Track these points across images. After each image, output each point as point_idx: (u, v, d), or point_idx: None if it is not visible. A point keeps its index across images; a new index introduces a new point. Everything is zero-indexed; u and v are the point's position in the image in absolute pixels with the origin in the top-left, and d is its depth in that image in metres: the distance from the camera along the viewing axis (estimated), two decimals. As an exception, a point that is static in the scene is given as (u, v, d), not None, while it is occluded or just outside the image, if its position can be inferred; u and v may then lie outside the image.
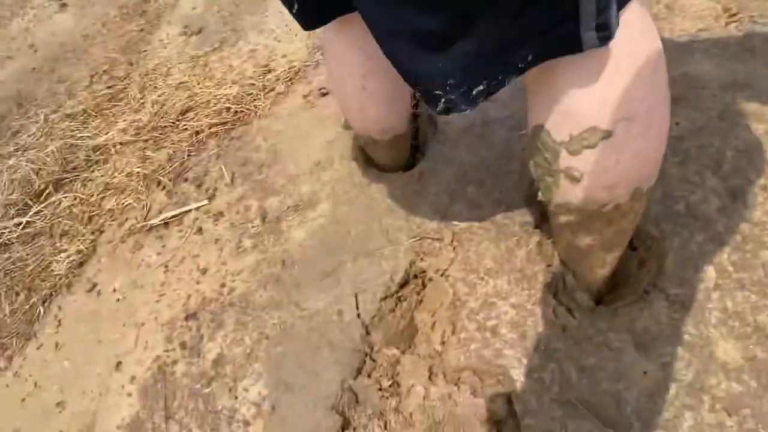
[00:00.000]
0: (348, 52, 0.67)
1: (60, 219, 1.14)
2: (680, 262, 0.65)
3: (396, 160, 0.93)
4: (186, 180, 1.12)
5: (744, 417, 0.52)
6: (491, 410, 0.59)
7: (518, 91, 0.98)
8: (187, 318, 0.83)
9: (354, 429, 0.62)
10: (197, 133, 1.23)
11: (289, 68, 1.31)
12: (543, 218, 0.74)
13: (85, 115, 1.47)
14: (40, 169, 1.28)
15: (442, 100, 0.45)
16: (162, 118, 1.32)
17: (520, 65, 0.43)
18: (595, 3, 0.37)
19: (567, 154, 0.47)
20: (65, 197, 1.19)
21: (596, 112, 0.44)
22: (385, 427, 0.62)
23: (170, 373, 0.77)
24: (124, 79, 1.60)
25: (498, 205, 0.79)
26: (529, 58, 0.42)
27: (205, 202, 1.03)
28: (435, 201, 0.84)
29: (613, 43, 0.40)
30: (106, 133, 1.36)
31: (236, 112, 1.23)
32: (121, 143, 1.30)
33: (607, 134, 0.44)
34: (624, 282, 0.70)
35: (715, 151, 0.74)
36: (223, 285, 0.86)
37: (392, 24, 0.44)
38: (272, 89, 1.27)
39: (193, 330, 0.81)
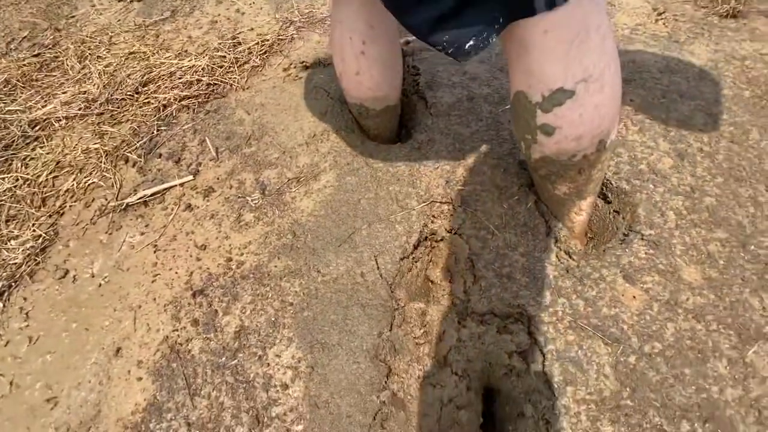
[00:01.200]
0: (352, 18, 0.74)
1: (1, 204, 0.98)
2: (648, 209, 0.78)
3: (386, 131, 0.98)
4: (160, 156, 1.03)
5: (708, 322, 0.66)
6: (516, 342, 0.67)
7: (498, 71, 1.07)
8: (194, 295, 0.78)
9: (396, 375, 0.66)
10: (165, 106, 1.13)
11: (261, 41, 1.25)
12: (537, 179, 0.84)
13: (9, 86, 1.26)
14: (-40, 147, 1.07)
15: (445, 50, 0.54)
16: (117, 90, 1.18)
17: (495, 25, 0.52)
18: None
19: (541, 112, 0.58)
20: (4, 178, 1.02)
21: (560, 76, 0.54)
22: (424, 370, 0.67)
23: (185, 351, 0.73)
24: (53, 46, 1.40)
25: (496, 169, 0.87)
26: (501, 19, 0.52)
27: (190, 177, 0.97)
28: (438, 168, 0.89)
29: (569, 19, 0.51)
30: (44, 107, 1.18)
31: (209, 84, 1.16)
32: (66, 117, 1.14)
33: (571, 93, 0.55)
34: (603, 229, 0.82)
35: (662, 122, 0.90)
36: (229, 260, 0.82)
37: None
38: (246, 62, 1.21)
39: (203, 306, 0.77)
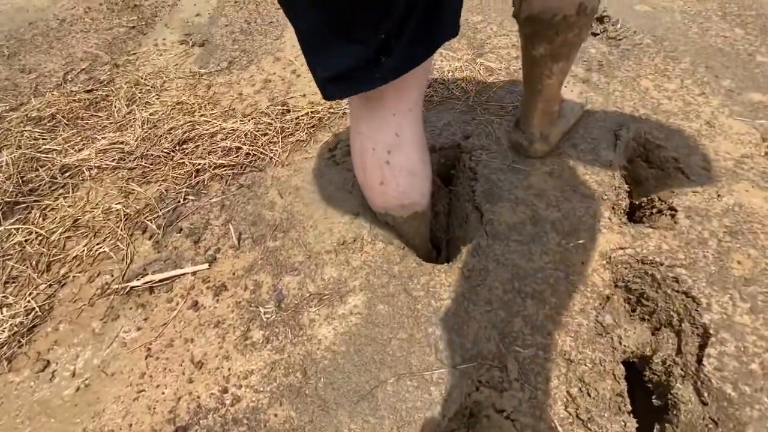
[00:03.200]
0: (374, 129, 0.66)
1: (7, 259, 0.89)
2: (767, 437, 0.58)
3: (416, 237, 0.85)
4: (180, 231, 0.92)
5: None
6: None
7: (570, 191, 0.91)
8: (175, 434, 0.64)
9: None
10: (198, 171, 1.03)
11: (311, 112, 1.16)
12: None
13: (54, 121, 1.22)
14: (-14, 185, 1.01)
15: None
16: (154, 144, 1.10)
17: None
18: None
19: None
20: (18, 229, 0.94)
21: None
22: None
23: None
24: (108, 83, 1.36)
25: (563, 331, 0.69)
26: None
27: (205, 266, 0.84)
28: (490, 312, 0.72)
29: None
30: (80, 150, 1.12)
31: (248, 153, 1.06)
32: (98, 167, 1.07)
33: None
34: (695, 439, 0.62)
35: (783, 302, 0.70)
36: (224, 390, 0.68)
37: None
38: (291, 134, 1.11)
39: (182, 453, 0.62)
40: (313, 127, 1.12)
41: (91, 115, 1.23)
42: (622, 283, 0.78)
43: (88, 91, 1.32)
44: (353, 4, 0.50)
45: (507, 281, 0.76)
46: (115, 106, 1.25)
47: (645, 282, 0.77)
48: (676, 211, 0.86)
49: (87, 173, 1.06)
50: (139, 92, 1.30)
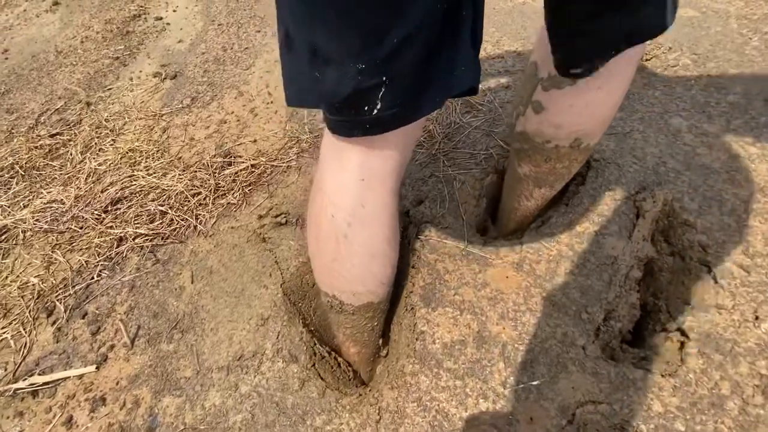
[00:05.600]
0: (338, 190, 0.51)
1: None
2: None
3: (363, 334, 0.67)
4: (84, 316, 0.82)
5: None
6: None
7: (536, 299, 0.67)
8: None
9: None
10: (121, 240, 0.93)
11: (252, 165, 1.00)
12: None
13: (12, 173, 1.18)
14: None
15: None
16: (88, 203, 1.02)
17: None
18: None
19: (540, 89, 0.57)
20: (-63, 304, 0.90)
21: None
22: None
23: None
24: (74, 125, 1.31)
25: None
26: None
27: (92, 368, 0.73)
28: (387, 489, 0.53)
29: None
30: (24, 207, 1.06)
31: (172, 220, 0.93)
32: (32, 230, 1.00)
33: (572, 82, 0.53)
34: None
35: None
36: None
37: None
38: (225, 194, 0.96)
39: None
40: (250, 185, 0.97)
41: (46, 164, 1.18)
42: (591, 450, 0.55)
43: (52, 136, 1.27)
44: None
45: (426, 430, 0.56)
46: (71, 154, 1.19)
47: (623, 456, 0.53)
48: (687, 338, 0.60)
49: (22, 235, 1.00)
50: (98, 136, 1.23)
